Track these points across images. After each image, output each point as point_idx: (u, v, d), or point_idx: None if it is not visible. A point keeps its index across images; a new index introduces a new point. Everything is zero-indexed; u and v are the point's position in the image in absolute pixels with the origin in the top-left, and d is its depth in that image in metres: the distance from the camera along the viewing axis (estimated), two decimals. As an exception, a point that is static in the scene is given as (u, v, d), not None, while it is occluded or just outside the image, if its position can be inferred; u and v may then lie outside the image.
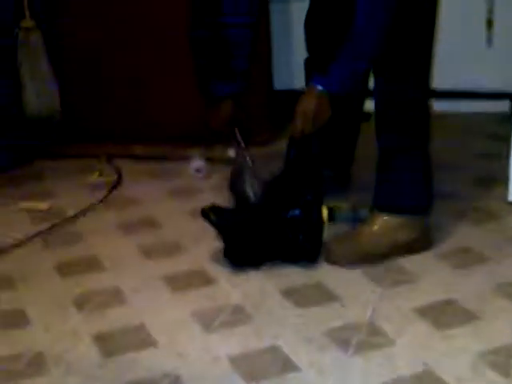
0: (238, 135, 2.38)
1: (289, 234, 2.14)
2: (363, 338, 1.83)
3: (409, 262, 2.17)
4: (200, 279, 2.14)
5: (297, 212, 2.14)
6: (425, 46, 2.12)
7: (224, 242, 2.21)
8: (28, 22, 3.01)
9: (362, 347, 1.80)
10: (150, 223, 2.52)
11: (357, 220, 2.35)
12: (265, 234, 2.16)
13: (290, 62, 3.40)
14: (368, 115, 2.54)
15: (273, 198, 2.19)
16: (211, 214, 2.19)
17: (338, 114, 2.12)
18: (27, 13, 3.00)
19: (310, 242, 2.16)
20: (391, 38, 2.00)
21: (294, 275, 2.13)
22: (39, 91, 3.05)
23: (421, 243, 2.22)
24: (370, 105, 2.33)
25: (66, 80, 3.15)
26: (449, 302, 1.97)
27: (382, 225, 2.19)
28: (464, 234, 2.32)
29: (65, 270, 2.23)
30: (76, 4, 3.08)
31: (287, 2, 3.34)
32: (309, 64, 2.53)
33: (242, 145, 2.39)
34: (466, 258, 2.18)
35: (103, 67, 3.16)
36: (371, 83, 2.22)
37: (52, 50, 3.08)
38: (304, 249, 2.16)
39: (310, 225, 2.15)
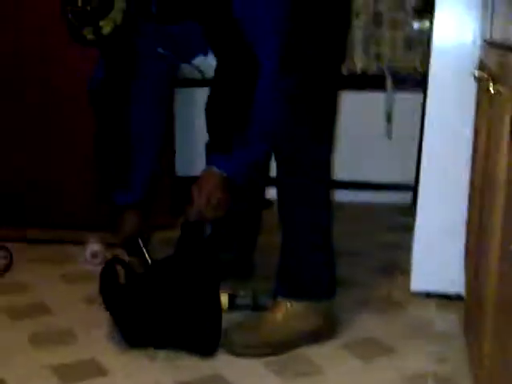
0: (142, 247, 2.25)
1: (185, 325, 2.05)
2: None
3: (312, 352, 2.09)
4: (92, 369, 2.00)
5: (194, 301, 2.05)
6: (326, 137, 2.14)
7: (117, 322, 2.12)
8: None
9: None
10: (41, 310, 2.36)
11: (258, 308, 2.27)
12: (161, 319, 2.06)
13: (193, 148, 3.38)
14: (269, 202, 2.51)
15: (165, 281, 2.10)
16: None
17: (239, 199, 2.07)
18: None
19: (206, 333, 2.05)
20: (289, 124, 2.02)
21: (192, 367, 2.01)
22: None
23: (325, 332, 2.15)
24: (271, 192, 2.32)
25: None
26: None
27: (284, 313, 2.12)
28: (368, 324, 2.27)
29: None
30: None
31: (190, 89, 3.32)
32: (209, 148, 2.49)
33: (147, 257, 2.24)
34: (371, 349, 2.12)
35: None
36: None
37: None
38: (200, 341, 2.06)
39: (207, 315, 2.05)
